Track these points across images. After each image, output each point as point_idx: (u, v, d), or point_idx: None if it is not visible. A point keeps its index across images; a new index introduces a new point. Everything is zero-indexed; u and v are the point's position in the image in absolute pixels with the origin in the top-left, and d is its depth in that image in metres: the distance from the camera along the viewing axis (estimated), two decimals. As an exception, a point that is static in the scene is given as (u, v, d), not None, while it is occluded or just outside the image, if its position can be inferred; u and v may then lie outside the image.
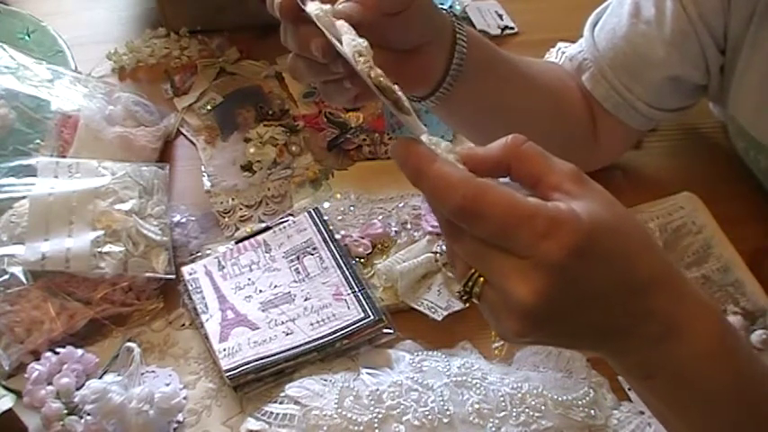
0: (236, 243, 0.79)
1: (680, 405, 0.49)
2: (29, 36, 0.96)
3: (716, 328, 0.48)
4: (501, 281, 0.43)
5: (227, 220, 0.82)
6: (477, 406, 0.66)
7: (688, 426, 0.50)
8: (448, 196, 0.42)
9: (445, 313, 0.73)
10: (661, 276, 0.46)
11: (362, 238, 0.79)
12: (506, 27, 1.03)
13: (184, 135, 0.91)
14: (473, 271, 0.45)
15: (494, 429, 0.66)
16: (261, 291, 0.75)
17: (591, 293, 0.44)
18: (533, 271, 0.42)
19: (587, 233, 0.42)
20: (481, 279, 0.45)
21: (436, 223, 0.78)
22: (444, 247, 0.76)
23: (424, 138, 0.45)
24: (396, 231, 0.80)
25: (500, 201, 0.42)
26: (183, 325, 0.74)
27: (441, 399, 0.66)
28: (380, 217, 0.81)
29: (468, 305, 0.52)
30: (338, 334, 0.70)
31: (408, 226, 0.80)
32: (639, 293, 0.45)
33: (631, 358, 0.48)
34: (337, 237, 0.78)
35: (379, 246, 0.79)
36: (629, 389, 0.69)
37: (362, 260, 0.78)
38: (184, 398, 0.69)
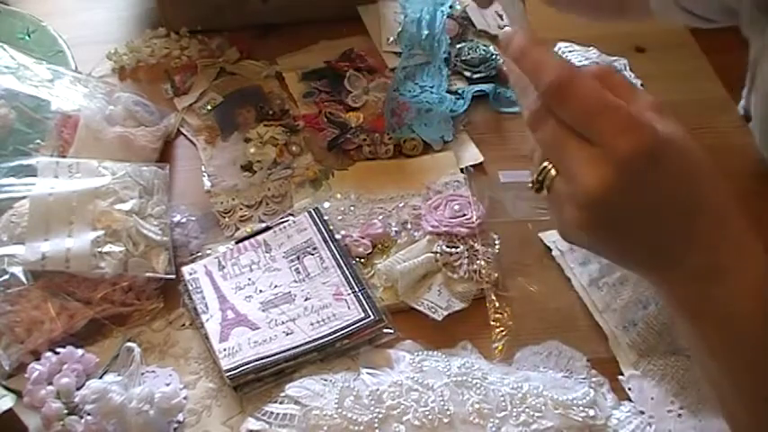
0: (237, 243, 0.79)
1: (725, 350, 0.50)
2: (29, 36, 0.96)
3: (760, 272, 0.48)
4: (572, 166, 0.46)
5: (227, 220, 0.82)
6: (477, 406, 0.66)
7: (730, 372, 0.51)
8: (546, 73, 0.46)
9: (445, 313, 0.73)
10: (714, 207, 0.48)
11: (363, 237, 0.79)
12: (506, 27, 1.03)
13: (184, 135, 0.90)
14: (547, 163, 0.49)
15: (494, 429, 0.66)
16: (261, 291, 0.75)
17: (650, 202, 0.46)
18: (604, 161, 0.45)
19: (662, 142, 0.45)
20: (553, 172, 0.49)
21: (436, 223, 0.78)
22: (444, 248, 0.76)
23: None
24: (396, 231, 0.80)
25: (590, 88, 0.46)
26: (184, 325, 0.74)
27: (441, 399, 0.66)
28: (380, 217, 0.81)
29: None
30: (338, 334, 0.70)
31: (408, 226, 0.80)
32: (690, 215, 0.47)
33: (679, 291, 0.49)
34: (337, 237, 0.78)
35: (380, 246, 0.79)
36: (629, 388, 0.70)
37: (363, 260, 0.78)
38: (184, 398, 0.68)
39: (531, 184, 0.53)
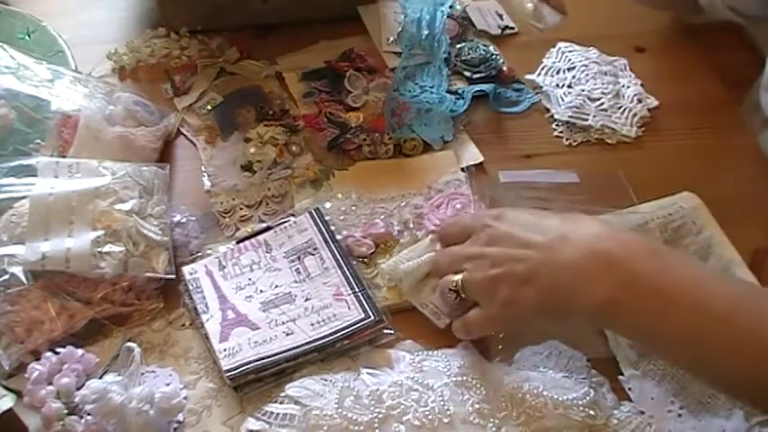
0: (237, 243, 0.79)
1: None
2: (29, 36, 0.96)
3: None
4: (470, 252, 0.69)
5: (227, 220, 0.82)
6: (477, 406, 0.66)
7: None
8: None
9: (448, 321, 0.73)
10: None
11: (365, 237, 0.79)
12: (506, 27, 1.03)
13: (184, 135, 0.90)
14: (456, 277, 0.69)
15: (494, 429, 0.66)
16: (261, 291, 0.75)
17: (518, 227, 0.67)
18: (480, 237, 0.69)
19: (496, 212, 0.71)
20: (458, 278, 0.69)
21: (438, 222, 0.78)
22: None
23: None
24: (398, 231, 0.80)
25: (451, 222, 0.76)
26: (184, 325, 0.74)
27: (441, 399, 0.66)
28: (382, 216, 0.81)
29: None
30: (339, 334, 0.70)
31: (411, 225, 0.80)
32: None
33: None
34: (339, 237, 0.78)
35: (382, 245, 0.79)
36: (629, 388, 0.70)
37: (365, 260, 0.78)
38: (185, 398, 0.69)
39: (451, 295, 0.70)
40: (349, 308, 0.72)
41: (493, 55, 0.98)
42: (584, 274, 0.62)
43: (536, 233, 0.65)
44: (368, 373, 0.69)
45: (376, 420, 0.65)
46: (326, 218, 0.79)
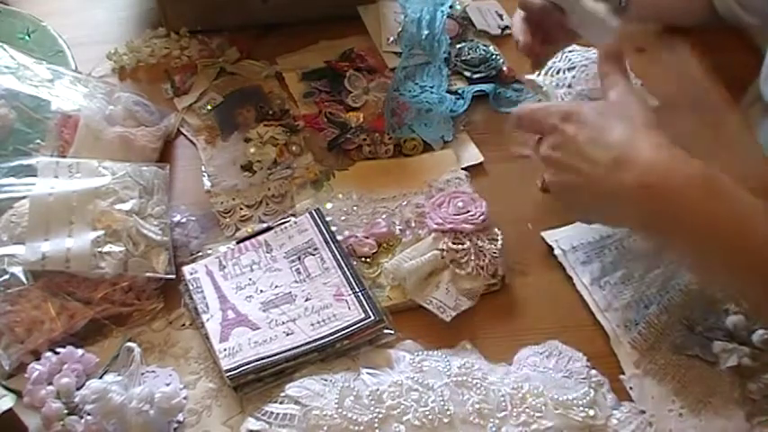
0: (237, 243, 0.79)
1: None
2: (29, 36, 0.96)
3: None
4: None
5: (227, 220, 0.82)
6: (477, 406, 0.66)
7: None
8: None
9: (454, 314, 0.73)
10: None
11: (367, 237, 0.79)
12: (506, 27, 1.03)
13: (184, 135, 0.90)
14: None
15: (494, 429, 0.65)
16: (262, 291, 0.74)
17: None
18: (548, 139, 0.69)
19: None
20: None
21: (441, 220, 0.78)
22: (450, 244, 0.76)
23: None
24: (400, 230, 0.80)
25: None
26: (184, 325, 0.74)
27: (441, 399, 0.66)
28: (384, 216, 0.81)
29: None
30: (339, 334, 0.70)
31: (412, 224, 0.80)
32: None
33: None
34: (341, 237, 0.78)
35: (385, 245, 0.79)
36: (630, 387, 0.70)
37: (368, 260, 0.78)
38: (185, 398, 0.68)
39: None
40: (349, 308, 0.72)
41: (493, 55, 0.98)
42: (632, 204, 0.64)
43: (596, 147, 0.65)
44: (368, 373, 0.69)
45: (376, 420, 0.65)
46: (327, 218, 0.79)
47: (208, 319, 0.72)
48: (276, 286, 0.75)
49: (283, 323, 0.72)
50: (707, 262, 0.66)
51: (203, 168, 0.87)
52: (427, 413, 0.65)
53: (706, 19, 0.97)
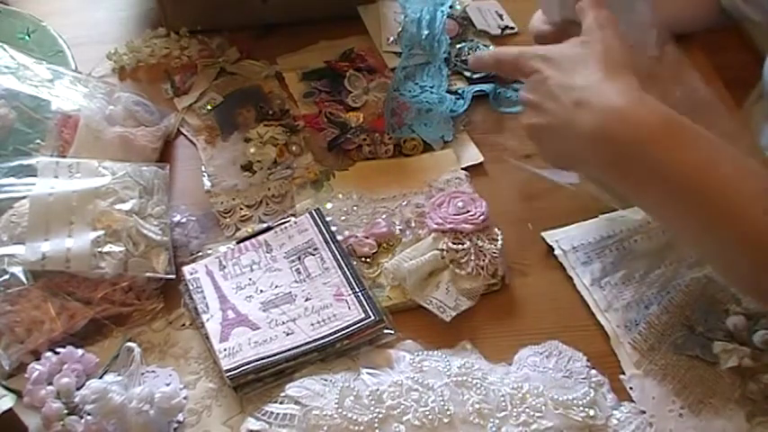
0: (238, 243, 0.79)
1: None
2: (29, 36, 0.96)
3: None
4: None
5: (227, 220, 0.82)
6: (477, 406, 0.66)
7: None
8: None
9: (454, 314, 0.73)
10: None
11: (367, 237, 0.79)
12: (506, 27, 1.03)
13: (184, 135, 0.90)
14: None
15: (494, 429, 0.65)
16: (262, 291, 0.74)
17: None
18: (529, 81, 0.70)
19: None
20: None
21: (441, 220, 0.78)
22: (450, 244, 0.76)
23: None
24: (400, 230, 0.80)
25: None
26: (184, 325, 0.74)
27: (441, 399, 0.66)
28: (384, 216, 0.81)
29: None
30: (339, 334, 0.70)
31: (413, 224, 0.80)
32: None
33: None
34: (341, 237, 0.78)
35: (385, 245, 0.79)
36: (630, 388, 0.69)
37: (368, 260, 0.78)
38: (185, 398, 0.68)
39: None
40: (349, 308, 0.72)
41: (493, 55, 0.98)
42: (594, 145, 0.64)
43: (563, 89, 0.66)
44: (368, 373, 0.69)
45: (376, 420, 0.65)
46: (327, 218, 0.79)
47: (208, 319, 0.72)
48: (276, 286, 0.75)
49: (283, 323, 0.72)
50: (670, 213, 0.65)
51: (203, 168, 0.87)
52: (427, 413, 0.65)
53: (712, 23, 0.96)
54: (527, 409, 0.67)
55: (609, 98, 0.63)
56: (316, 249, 0.77)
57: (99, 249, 0.73)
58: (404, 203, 0.82)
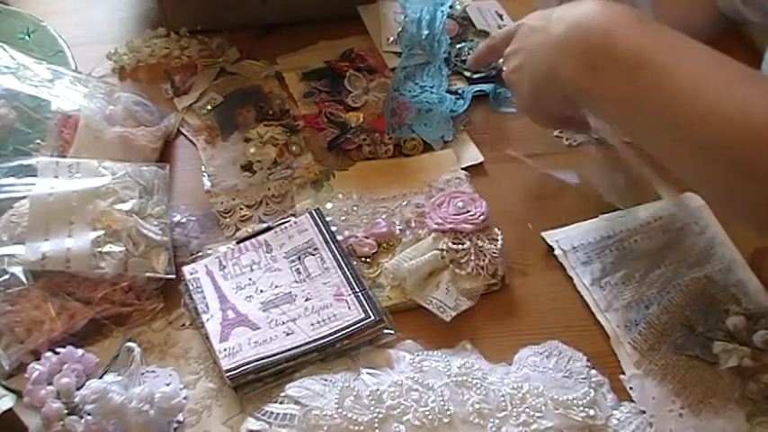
0: (238, 243, 0.79)
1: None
2: (29, 36, 0.96)
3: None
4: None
5: (227, 220, 0.82)
6: (477, 406, 0.66)
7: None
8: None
9: (454, 314, 0.73)
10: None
11: (367, 237, 0.79)
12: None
13: (184, 135, 0.90)
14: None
15: (494, 429, 0.65)
16: (262, 291, 0.74)
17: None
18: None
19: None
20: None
21: (441, 220, 0.78)
22: (450, 244, 0.76)
23: None
24: (400, 230, 0.80)
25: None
26: (184, 325, 0.74)
27: (441, 399, 0.66)
28: (384, 216, 0.81)
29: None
30: (339, 334, 0.70)
31: (413, 224, 0.80)
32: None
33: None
34: (341, 237, 0.78)
35: (385, 245, 0.79)
36: (630, 388, 0.69)
37: (368, 260, 0.78)
38: (185, 398, 0.68)
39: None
40: (349, 308, 0.72)
41: (493, 55, 0.98)
42: (565, 46, 0.65)
43: (545, 18, 0.68)
44: (368, 373, 0.69)
45: (376, 420, 0.65)
46: (327, 218, 0.79)
47: (208, 319, 0.72)
48: (276, 286, 0.75)
49: (283, 323, 0.72)
50: (647, 122, 0.63)
51: (203, 168, 0.87)
52: (427, 413, 0.65)
53: (712, 30, 0.96)
54: (527, 409, 0.67)
55: (586, 6, 0.65)
56: (316, 249, 0.77)
57: (99, 249, 0.73)
58: (404, 203, 0.82)
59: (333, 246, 0.77)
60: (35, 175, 0.77)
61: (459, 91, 0.94)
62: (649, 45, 0.61)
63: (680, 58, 0.60)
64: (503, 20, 1.04)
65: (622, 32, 0.62)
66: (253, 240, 0.79)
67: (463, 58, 0.97)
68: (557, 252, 0.79)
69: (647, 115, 0.62)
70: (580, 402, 0.67)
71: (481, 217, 0.78)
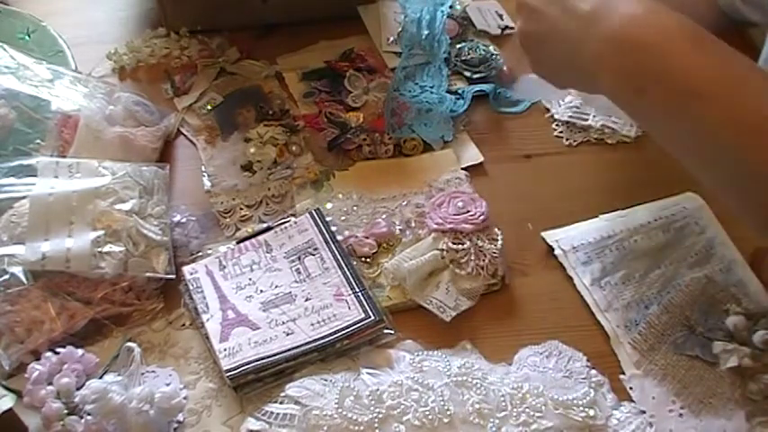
0: (238, 243, 0.79)
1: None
2: (29, 36, 0.96)
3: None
4: None
5: (227, 220, 0.82)
6: (477, 406, 0.66)
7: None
8: None
9: (454, 314, 0.73)
10: None
11: (367, 237, 0.79)
12: (506, 27, 1.03)
13: (184, 135, 0.90)
14: None
15: (494, 429, 0.65)
16: (262, 291, 0.74)
17: None
18: None
19: None
20: None
21: (441, 220, 0.78)
22: (450, 244, 0.76)
23: None
24: (400, 230, 0.80)
25: None
26: (184, 325, 0.74)
27: (441, 399, 0.66)
28: (384, 216, 0.81)
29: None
30: (339, 334, 0.70)
31: (413, 224, 0.80)
32: None
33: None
34: (341, 237, 0.78)
35: (385, 245, 0.79)
36: (630, 388, 0.69)
37: (368, 260, 0.78)
38: (185, 398, 0.68)
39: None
40: (349, 308, 0.72)
41: (493, 55, 0.98)
42: (605, 57, 0.61)
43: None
44: (368, 373, 0.69)
45: (376, 420, 0.65)
46: (327, 218, 0.79)
47: (208, 319, 0.72)
48: (276, 286, 0.75)
49: (283, 323, 0.72)
50: (682, 125, 0.60)
51: (203, 168, 0.87)
52: (427, 413, 0.65)
53: (714, 30, 0.96)
54: (527, 409, 0.67)
55: (626, 7, 0.60)
56: (316, 249, 0.77)
57: (99, 249, 0.73)
58: (404, 203, 0.82)
59: (333, 246, 0.77)
60: (35, 175, 0.77)
61: (459, 91, 0.94)
62: (706, 73, 0.58)
63: (736, 91, 0.58)
64: (503, 20, 1.04)
65: (677, 53, 0.58)
66: (253, 240, 0.79)
67: (463, 58, 0.97)
68: (557, 252, 0.79)
69: (691, 137, 0.60)
70: (580, 402, 0.67)
71: (481, 217, 0.78)
